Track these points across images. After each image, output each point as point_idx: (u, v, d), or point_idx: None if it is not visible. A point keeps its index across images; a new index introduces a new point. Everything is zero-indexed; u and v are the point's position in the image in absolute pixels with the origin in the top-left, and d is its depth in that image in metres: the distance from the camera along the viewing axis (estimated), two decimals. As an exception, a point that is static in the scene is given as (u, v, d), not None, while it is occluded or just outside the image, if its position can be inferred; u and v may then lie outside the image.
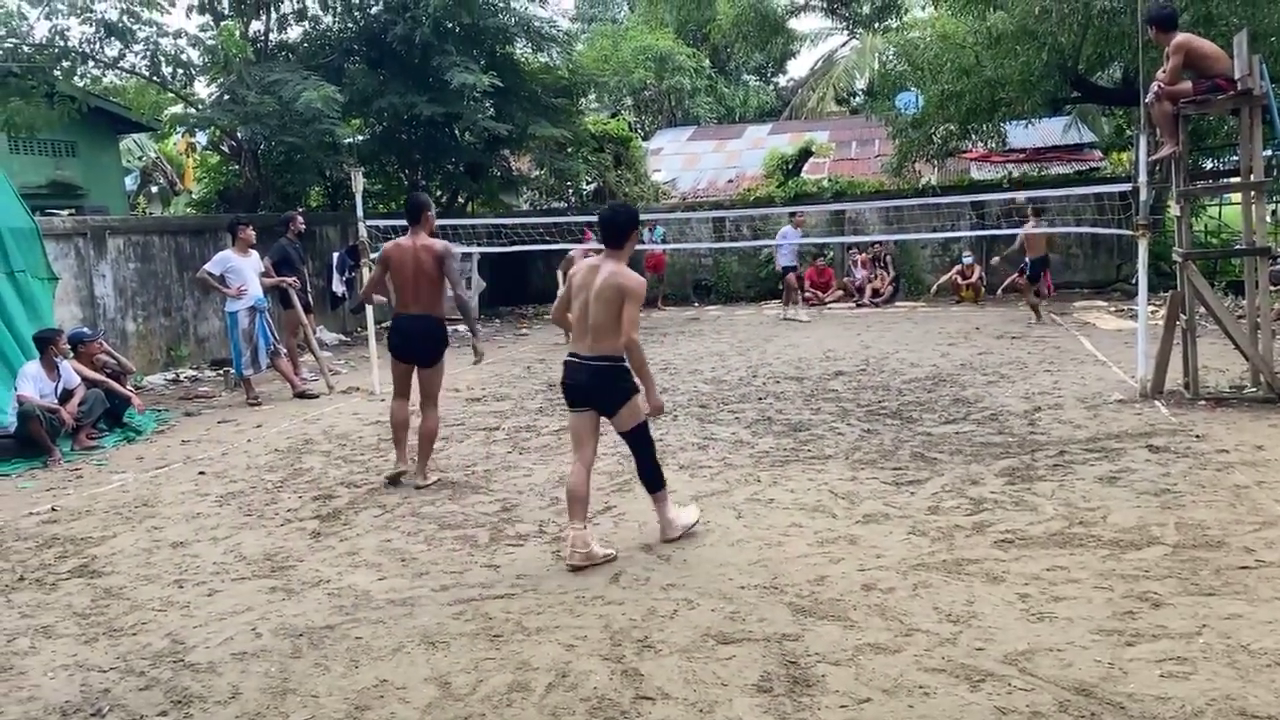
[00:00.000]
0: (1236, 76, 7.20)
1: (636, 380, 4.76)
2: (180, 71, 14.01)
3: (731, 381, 9.69)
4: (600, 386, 4.77)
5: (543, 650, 3.71)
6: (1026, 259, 13.58)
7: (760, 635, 3.73)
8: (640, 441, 4.86)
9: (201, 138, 17.55)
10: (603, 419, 4.85)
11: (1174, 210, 7.97)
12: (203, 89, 15.93)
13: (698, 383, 9.73)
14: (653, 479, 4.91)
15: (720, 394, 9.03)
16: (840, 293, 17.71)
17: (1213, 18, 11.40)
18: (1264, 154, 7.84)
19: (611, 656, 3.62)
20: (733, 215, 18.71)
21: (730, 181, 21.52)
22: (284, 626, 4.08)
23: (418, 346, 6.28)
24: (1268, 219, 8.36)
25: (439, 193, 19.27)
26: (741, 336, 13.36)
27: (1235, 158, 11.02)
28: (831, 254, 18.37)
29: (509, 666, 3.59)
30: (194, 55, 13.86)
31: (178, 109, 15.58)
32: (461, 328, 16.44)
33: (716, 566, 4.52)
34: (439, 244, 6.27)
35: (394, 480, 6.32)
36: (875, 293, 17.13)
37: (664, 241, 18.76)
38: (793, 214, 15.91)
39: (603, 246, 4.95)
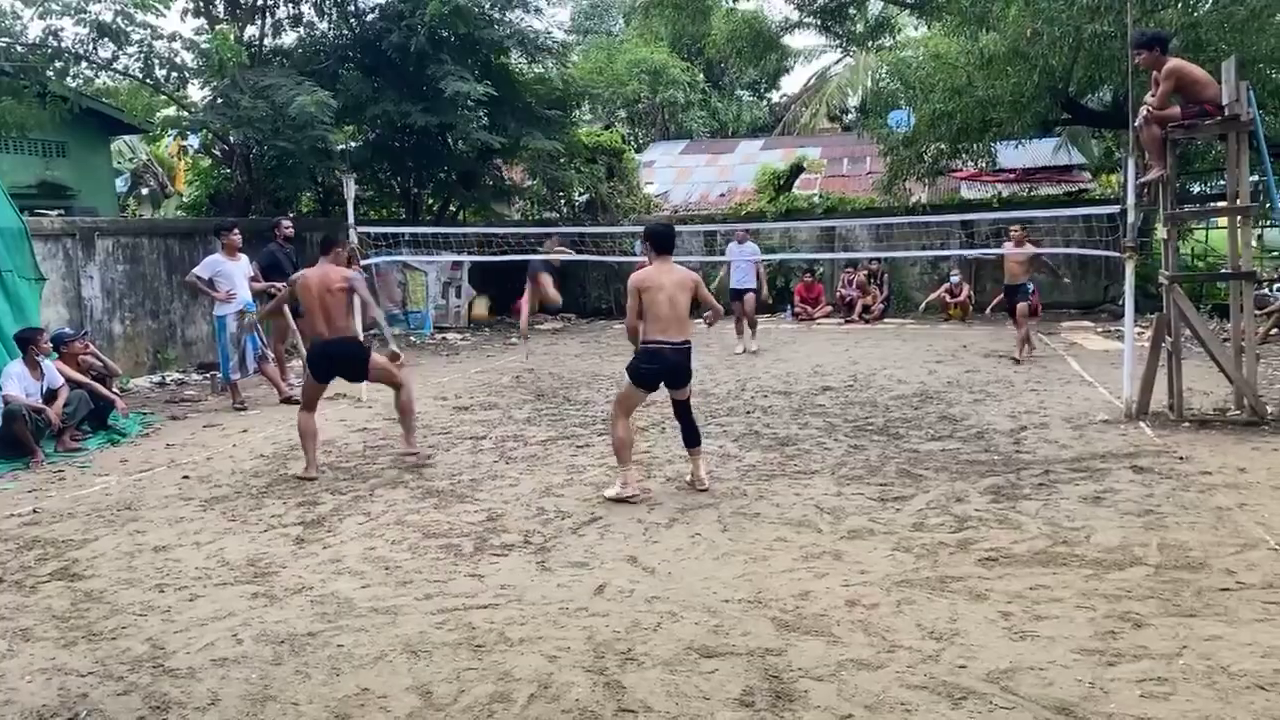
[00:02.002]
0: (1224, 102, 7.28)
1: None
2: (174, 74, 13.98)
3: (720, 395, 9.70)
4: (688, 364, 6.02)
5: (525, 661, 3.70)
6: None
7: (743, 649, 3.73)
8: (689, 407, 6.19)
9: (193, 141, 17.52)
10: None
11: (1161, 233, 8.04)
12: (196, 92, 15.93)
13: (686, 395, 9.73)
14: (697, 436, 6.22)
15: (708, 407, 9.03)
16: (830, 309, 17.77)
17: (1202, 44, 11.53)
18: (1250, 179, 7.91)
19: (594, 668, 3.61)
20: (724, 229, 18.76)
21: (722, 195, 21.59)
22: (265, 633, 4.06)
23: (342, 369, 6.87)
24: (1253, 244, 8.43)
25: (430, 200, 19.28)
26: (740, 339, 13.36)
27: (1222, 183, 11.13)
28: (821, 270, 18.43)
29: (491, 677, 3.58)
30: (188, 58, 13.85)
31: (170, 112, 15.54)
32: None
33: (701, 580, 4.52)
34: (344, 272, 6.84)
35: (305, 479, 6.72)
36: (865, 309, 17.19)
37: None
38: (744, 229, 14.12)
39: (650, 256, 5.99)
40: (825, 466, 6.64)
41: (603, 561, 4.83)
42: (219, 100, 14.01)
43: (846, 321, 17.05)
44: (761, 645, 3.76)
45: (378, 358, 6.98)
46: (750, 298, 13.10)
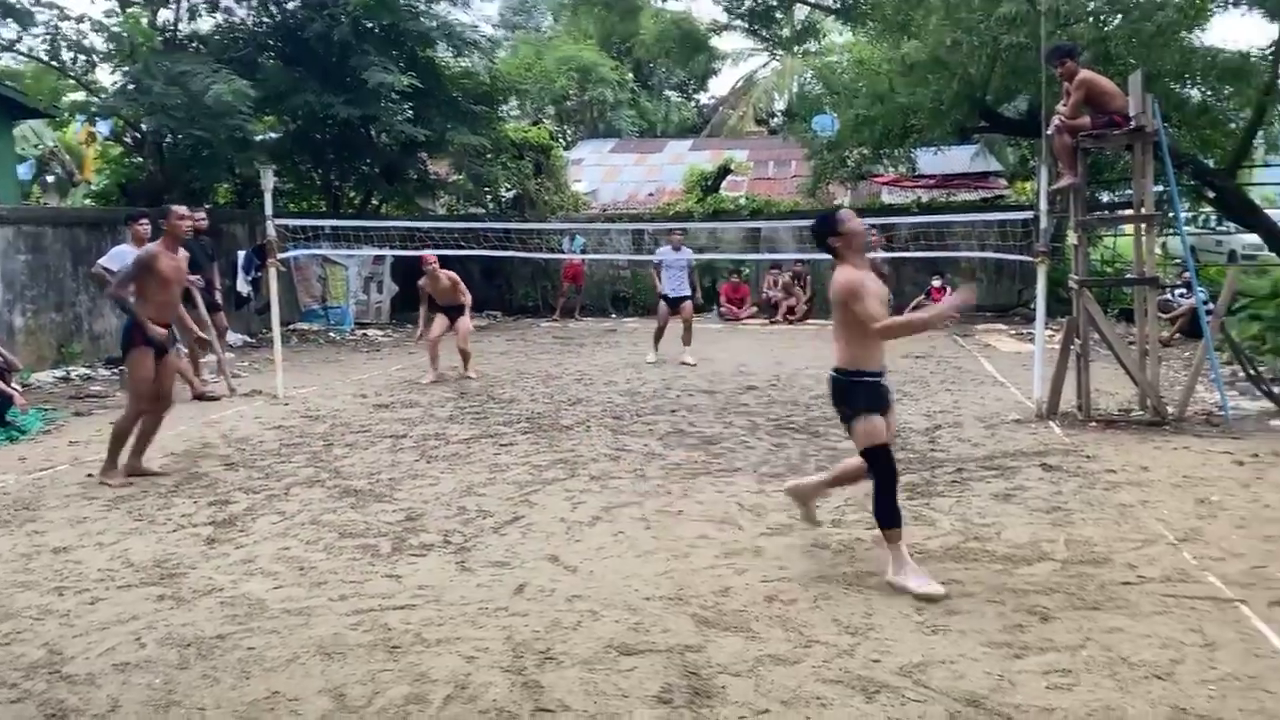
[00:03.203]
0: (1131, 114, 7.56)
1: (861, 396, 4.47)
2: (82, 58, 13.46)
3: (646, 394, 9.71)
4: (835, 395, 4.61)
5: (442, 662, 3.64)
6: None
7: (663, 646, 3.73)
8: (867, 461, 4.49)
9: (103, 127, 16.88)
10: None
11: (1072, 239, 8.30)
12: (106, 77, 15.35)
13: (613, 394, 9.73)
14: (884, 514, 4.40)
15: (634, 405, 9.04)
16: (755, 309, 17.95)
17: (1111, 57, 11.93)
18: (1154, 189, 8.22)
19: (512, 668, 3.58)
20: (652, 228, 18.80)
21: (650, 195, 21.63)
22: (171, 636, 3.93)
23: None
24: (1157, 251, 8.76)
25: (352, 194, 18.91)
26: (657, 349, 13.39)
27: (1128, 192, 11.53)
28: (747, 271, 18.61)
29: (407, 678, 3.52)
30: (97, 41, 13.35)
31: (79, 96, 14.93)
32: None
33: (623, 578, 4.51)
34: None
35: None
36: (790, 310, 17.41)
37: (584, 251, 18.77)
38: (671, 231, 12.88)
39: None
40: (748, 464, 6.70)
41: (524, 561, 4.79)
42: (130, 86, 13.51)
43: (771, 322, 17.25)
44: (681, 642, 3.77)
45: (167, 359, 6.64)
46: (688, 305, 12.06)
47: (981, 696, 3.29)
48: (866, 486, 4.65)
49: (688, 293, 12.13)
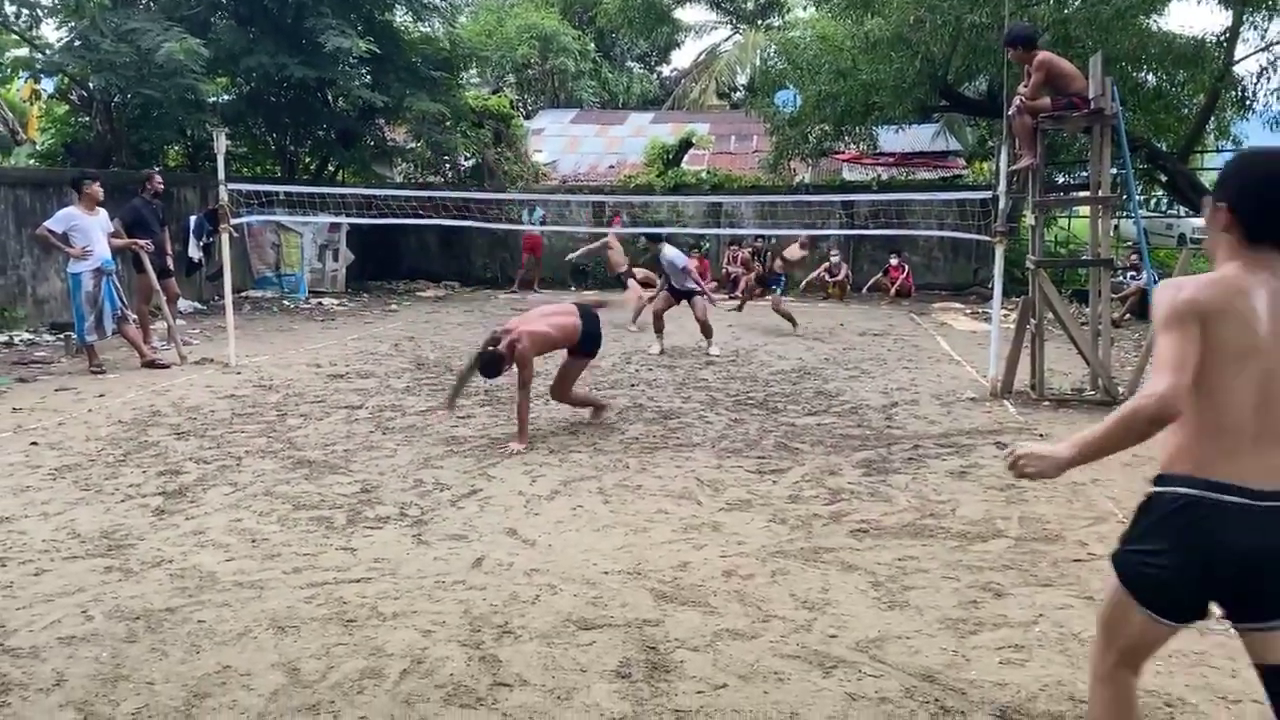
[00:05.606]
0: (1091, 96, 7.62)
1: None
2: (26, 12, 13.00)
3: (604, 368, 9.68)
4: None
5: (398, 636, 3.61)
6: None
7: (621, 621, 3.73)
8: None
9: (48, 85, 16.35)
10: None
11: (1029, 220, 8.38)
12: (51, 33, 14.84)
13: (570, 367, 9.68)
14: None
15: (593, 379, 9.00)
16: (715, 284, 17.95)
17: (1071, 40, 12.04)
18: (1110, 171, 8.32)
19: (470, 642, 3.55)
20: (613, 201, 18.70)
21: (611, 167, 21.49)
22: (119, 609, 3.84)
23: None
24: (1111, 233, 8.89)
25: (308, 159, 18.56)
26: (616, 323, 13.36)
27: (1083, 174, 11.69)
28: (708, 246, 18.59)
29: (362, 652, 3.48)
30: (42, -4, 12.91)
31: (22, 52, 14.43)
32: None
33: (581, 552, 4.50)
34: None
35: None
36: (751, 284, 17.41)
37: (543, 223, 18.61)
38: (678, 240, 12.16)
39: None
40: (706, 439, 6.70)
41: (481, 534, 4.75)
42: (77, 42, 13.09)
43: (731, 297, 17.25)
44: (639, 616, 3.77)
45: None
46: (699, 301, 10.74)
47: (936, 671, 3.33)
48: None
49: (693, 287, 10.83)
